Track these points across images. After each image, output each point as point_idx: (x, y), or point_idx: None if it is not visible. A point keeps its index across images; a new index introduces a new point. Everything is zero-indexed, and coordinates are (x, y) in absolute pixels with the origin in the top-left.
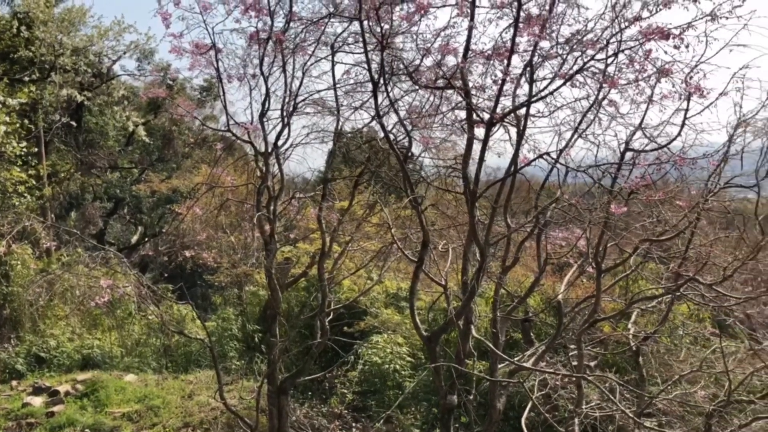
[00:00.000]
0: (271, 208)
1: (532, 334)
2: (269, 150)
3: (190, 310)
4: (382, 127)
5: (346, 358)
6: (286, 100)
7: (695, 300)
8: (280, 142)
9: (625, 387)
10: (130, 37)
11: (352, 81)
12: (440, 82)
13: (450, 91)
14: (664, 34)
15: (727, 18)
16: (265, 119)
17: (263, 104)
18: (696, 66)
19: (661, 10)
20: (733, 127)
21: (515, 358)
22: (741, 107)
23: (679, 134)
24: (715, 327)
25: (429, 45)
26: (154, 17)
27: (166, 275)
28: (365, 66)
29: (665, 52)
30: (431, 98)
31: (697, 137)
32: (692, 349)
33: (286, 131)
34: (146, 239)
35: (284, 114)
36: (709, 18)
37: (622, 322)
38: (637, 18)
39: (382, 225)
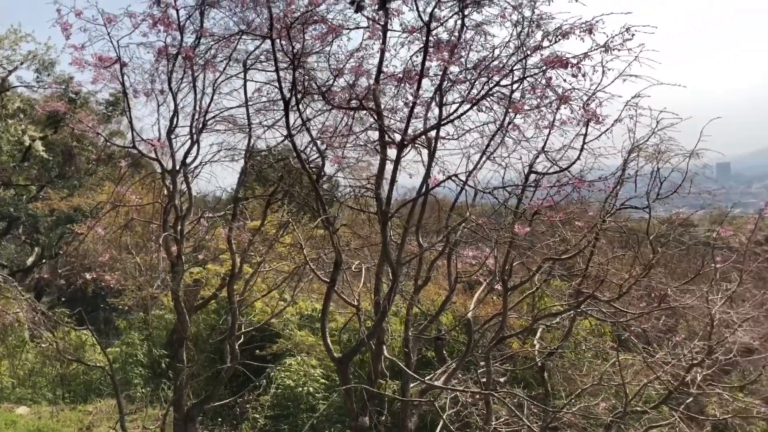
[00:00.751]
0: (179, 228)
1: (444, 352)
2: (177, 168)
3: (90, 336)
4: (294, 146)
5: (257, 382)
6: (196, 116)
7: (596, 316)
8: (188, 160)
9: (531, 402)
10: (27, 46)
11: (264, 99)
12: (353, 103)
13: (364, 112)
14: (563, 63)
15: (618, 50)
16: (173, 136)
17: (171, 121)
18: (593, 94)
19: (560, 40)
20: (627, 152)
21: (427, 377)
22: (634, 133)
23: (578, 158)
24: (615, 341)
25: (342, 66)
26: (53, 27)
27: (64, 299)
28: (277, 85)
29: (564, 80)
30: (345, 118)
31: (595, 161)
32: (594, 363)
33: (195, 149)
34: (43, 261)
35: (193, 131)
36: (603, 49)
37: (530, 338)
38: (538, 47)
39: (295, 245)
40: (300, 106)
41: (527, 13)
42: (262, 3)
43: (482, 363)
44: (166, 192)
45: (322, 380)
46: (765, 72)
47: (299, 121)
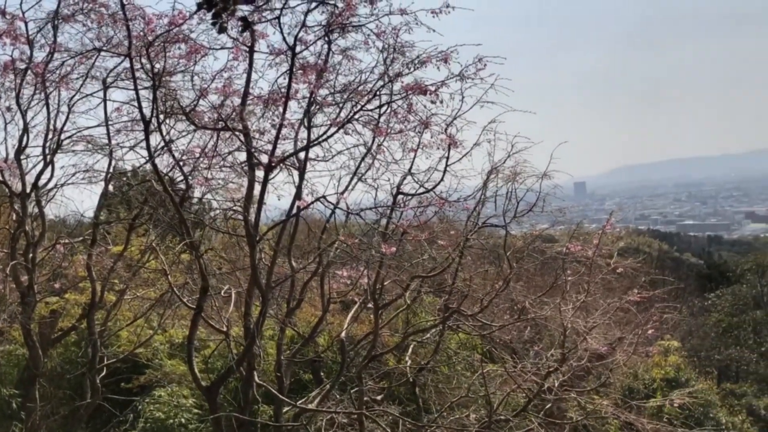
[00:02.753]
0: (30, 255)
1: (322, 374)
2: (28, 190)
3: None
4: (155, 168)
5: (123, 417)
6: (50, 136)
7: (464, 329)
8: (41, 182)
9: (403, 419)
10: None
11: (125, 118)
12: (220, 124)
13: (234, 133)
14: (422, 90)
15: (472, 79)
16: (22, 156)
17: (20, 140)
18: (453, 119)
19: (419, 68)
20: (487, 173)
21: (302, 400)
22: (493, 157)
23: (442, 179)
24: (483, 354)
25: (207, 86)
26: None
27: None
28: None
29: (424, 106)
30: (212, 140)
31: (459, 182)
32: (464, 376)
33: (48, 170)
34: None
35: (47, 151)
36: (458, 78)
37: (405, 354)
38: (399, 74)
39: (162, 271)
40: (163, 127)
41: (390, 41)
42: (119, 19)
43: (368, 382)
44: (15, 217)
45: (196, 410)
46: (601, 103)
47: (162, 143)
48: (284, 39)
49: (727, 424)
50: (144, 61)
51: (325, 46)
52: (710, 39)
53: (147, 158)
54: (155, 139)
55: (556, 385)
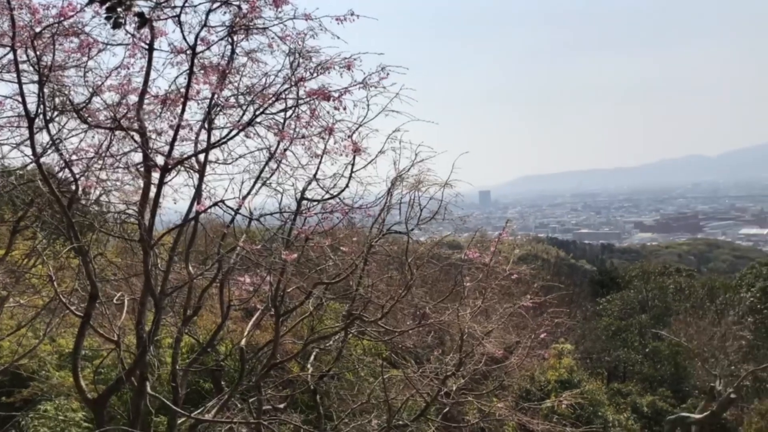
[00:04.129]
0: None
1: (223, 383)
2: None
3: None
4: (39, 168)
5: None
6: None
7: (370, 336)
8: None
9: (303, 427)
10: None
11: (8, 113)
12: (115, 123)
13: (131, 133)
14: (325, 96)
15: (376, 87)
16: None
17: None
18: (359, 126)
19: (322, 73)
20: (391, 181)
21: (199, 410)
22: (398, 165)
23: (347, 186)
24: (388, 359)
25: (102, 83)
26: None
27: None
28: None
29: (327, 112)
30: (107, 139)
31: (365, 189)
32: (368, 383)
33: None
34: None
35: None
36: (362, 85)
37: (308, 362)
38: (302, 78)
39: (48, 276)
40: (53, 124)
41: (295, 45)
42: (4, 8)
43: (265, 390)
44: None
45: (86, 424)
46: (505, 114)
47: (51, 141)
48: (184, 38)
49: (613, 421)
50: (30, 53)
51: (229, 47)
52: (605, 58)
53: (32, 158)
54: (43, 137)
55: (455, 389)
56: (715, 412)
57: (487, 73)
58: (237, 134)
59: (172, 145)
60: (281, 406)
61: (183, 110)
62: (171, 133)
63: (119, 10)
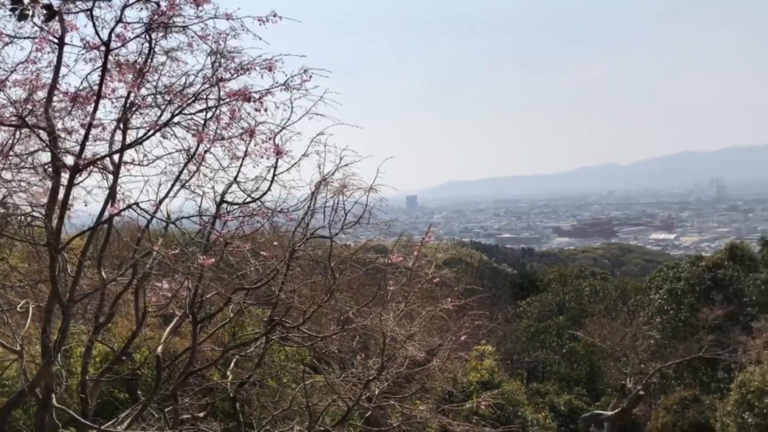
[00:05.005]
0: None
1: (139, 392)
2: None
3: None
4: None
5: None
6: None
7: (294, 341)
8: None
9: None
10: None
11: None
12: (28, 120)
13: (33, 131)
14: (246, 97)
15: (298, 89)
16: None
17: None
18: (282, 129)
19: (242, 74)
20: (315, 185)
21: (111, 421)
22: (323, 169)
23: (269, 189)
24: (313, 365)
25: (5, 77)
26: None
27: None
28: None
29: (248, 113)
30: (14, 137)
31: (289, 193)
32: (291, 389)
33: None
34: None
35: None
36: (284, 87)
37: (228, 369)
38: (221, 79)
39: None
40: None
41: (216, 45)
42: None
43: (185, 398)
44: None
45: None
46: (432, 120)
47: None
48: (97, 33)
49: (532, 421)
50: None
51: (146, 44)
52: (527, 68)
53: None
54: None
55: (377, 393)
56: (625, 408)
57: (414, 79)
58: (153, 134)
59: (83, 144)
60: (201, 414)
61: (95, 108)
62: (82, 132)
63: (25, 1)
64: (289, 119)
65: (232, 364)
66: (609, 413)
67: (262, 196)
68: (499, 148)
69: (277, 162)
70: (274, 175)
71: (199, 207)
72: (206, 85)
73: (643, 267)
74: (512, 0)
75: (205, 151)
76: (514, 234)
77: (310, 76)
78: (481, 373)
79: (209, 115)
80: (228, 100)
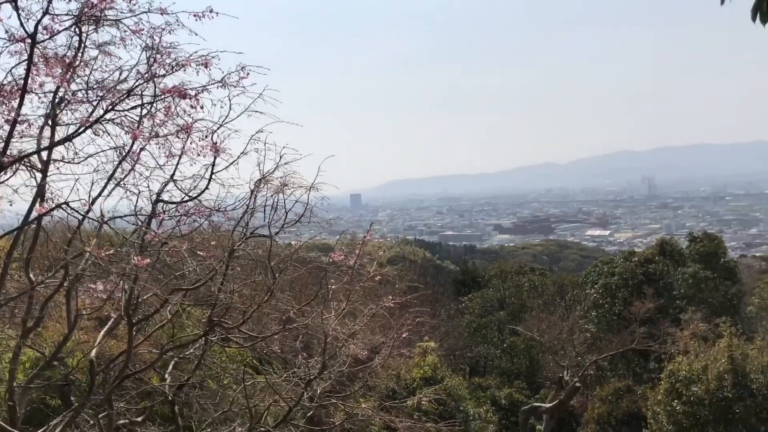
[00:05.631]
0: None
1: (73, 398)
2: None
3: None
4: None
5: None
6: None
7: (235, 342)
8: None
9: None
10: None
11: None
12: None
13: None
14: (181, 94)
15: (235, 86)
16: None
17: None
18: (220, 126)
19: (178, 70)
20: (255, 183)
21: (42, 429)
22: (263, 167)
23: (207, 188)
24: (255, 366)
25: None
26: None
27: None
28: None
29: (184, 111)
30: None
31: (228, 191)
32: (232, 390)
33: None
34: None
35: None
36: (221, 84)
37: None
38: (155, 75)
39: None
40: None
41: (151, 40)
42: None
43: (119, 404)
44: None
45: None
46: (376, 119)
47: None
48: (22, 25)
49: (474, 415)
50: None
51: (77, 38)
52: (468, 69)
53: None
54: None
55: (319, 392)
56: (562, 400)
57: (358, 78)
58: (84, 131)
59: (7, 141)
60: (138, 419)
61: (21, 103)
62: (7, 128)
63: None
64: (227, 117)
65: (170, 367)
66: (547, 405)
67: (199, 195)
68: (442, 147)
69: (215, 160)
70: (212, 173)
71: (135, 206)
72: (141, 81)
73: (579, 263)
74: (470, 2)
75: (141, 149)
76: (457, 231)
77: (248, 74)
78: (424, 370)
79: (145, 111)
80: (163, 96)
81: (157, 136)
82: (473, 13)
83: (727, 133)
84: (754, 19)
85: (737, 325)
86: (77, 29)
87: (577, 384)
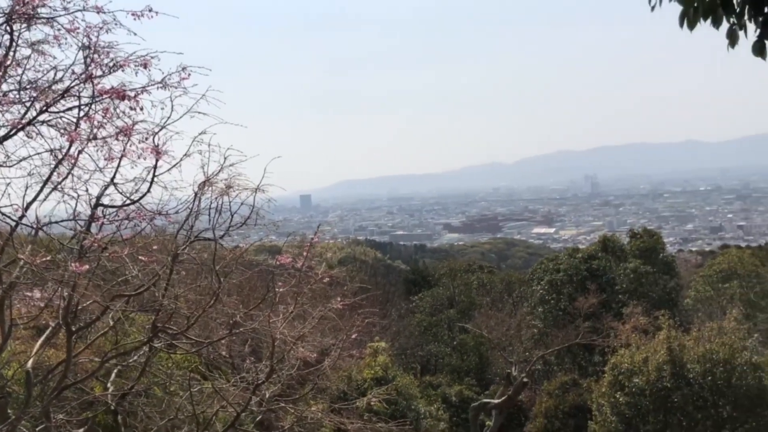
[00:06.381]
0: None
1: (10, 411)
2: None
3: None
4: None
5: None
6: None
7: (182, 348)
8: None
9: None
10: None
11: None
12: None
13: None
14: (120, 95)
15: (176, 87)
16: None
17: None
18: (162, 128)
19: (116, 70)
20: (199, 186)
21: None
22: (207, 169)
23: (149, 191)
24: (201, 371)
25: None
26: None
27: None
28: None
29: (123, 112)
30: None
31: (171, 194)
32: (179, 397)
33: None
34: None
35: None
36: (161, 85)
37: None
38: (92, 75)
39: None
40: None
41: (87, 39)
42: None
43: (58, 416)
44: None
45: None
46: (326, 120)
47: None
48: None
49: (425, 413)
50: None
51: (7, 36)
52: (416, 68)
53: None
54: None
55: (267, 396)
56: (511, 395)
57: (305, 78)
58: (16, 133)
59: None
60: (80, 430)
61: None
62: None
63: None
64: (169, 118)
65: (113, 375)
66: (496, 401)
67: (141, 198)
68: (391, 147)
69: (157, 162)
70: (154, 176)
71: (74, 211)
72: (77, 82)
73: (526, 260)
74: (412, 3)
75: (79, 152)
76: (407, 231)
77: (189, 74)
78: (375, 370)
79: (82, 113)
80: (101, 98)
81: (95, 138)
82: (421, 15)
83: (661, 132)
84: (681, 25)
85: (675, 317)
86: (8, 27)
87: (525, 379)
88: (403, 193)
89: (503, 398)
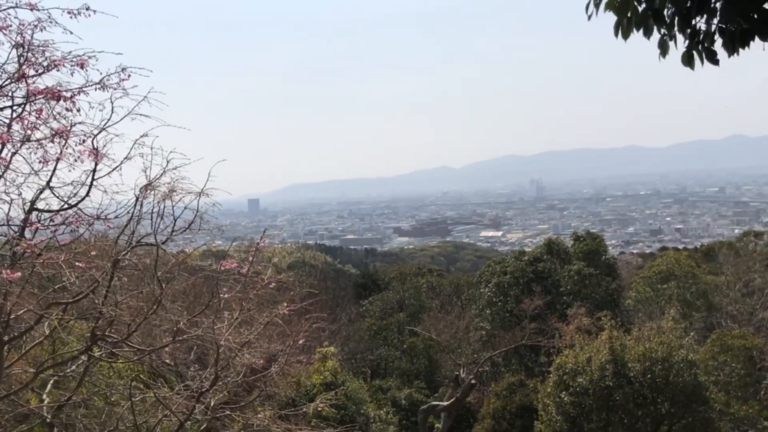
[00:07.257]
0: None
1: None
2: None
3: None
4: None
5: None
6: None
7: (125, 356)
8: None
9: None
10: None
11: None
12: None
13: None
14: (54, 95)
15: (116, 88)
16: None
17: None
18: (102, 130)
19: (49, 70)
20: (140, 189)
21: None
22: (149, 172)
23: (88, 194)
24: (144, 380)
25: None
26: None
27: None
28: None
29: (59, 114)
30: None
31: (111, 198)
32: (120, 406)
33: None
34: None
35: None
36: (100, 87)
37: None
38: (24, 75)
39: None
40: None
41: (21, 37)
42: None
43: None
44: None
45: None
46: (275, 124)
47: None
48: None
49: (374, 417)
50: None
51: None
52: (368, 74)
53: None
54: None
55: (212, 403)
56: (459, 397)
57: (253, 81)
58: None
59: None
60: None
61: None
62: None
63: None
64: (109, 120)
65: (49, 386)
66: (445, 403)
67: (79, 203)
68: (341, 151)
69: (96, 166)
70: (93, 179)
71: (6, 215)
72: (9, 81)
73: (474, 263)
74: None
75: (12, 154)
76: (358, 235)
77: (129, 75)
78: (324, 375)
79: (15, 114)
80: (35, 98)
81: (28, 140)
82: (372, 19)
83: (605, 138)
84: (616, 34)
85: (617, 318)
86: None
87: (473, 381)
88: (354, 197)
89: (452, 400)
